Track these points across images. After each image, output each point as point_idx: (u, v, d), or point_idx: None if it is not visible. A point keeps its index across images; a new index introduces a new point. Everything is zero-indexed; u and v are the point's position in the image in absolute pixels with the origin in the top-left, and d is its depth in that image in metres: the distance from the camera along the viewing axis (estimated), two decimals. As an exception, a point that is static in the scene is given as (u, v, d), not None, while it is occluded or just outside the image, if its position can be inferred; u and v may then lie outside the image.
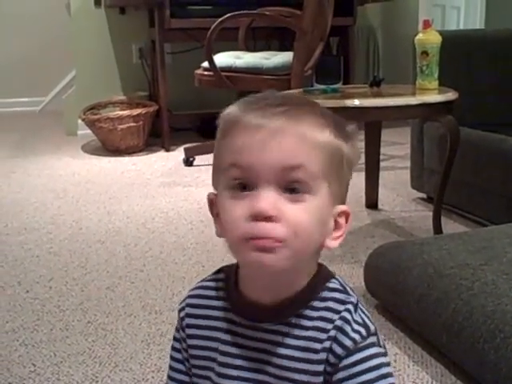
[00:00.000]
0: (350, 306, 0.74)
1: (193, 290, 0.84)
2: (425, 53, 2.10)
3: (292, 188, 0.69)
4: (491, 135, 2.23)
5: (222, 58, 3.15)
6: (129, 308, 1.76)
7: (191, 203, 2.68)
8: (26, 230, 2.43)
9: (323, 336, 0.73)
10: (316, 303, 0.74)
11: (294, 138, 0.69)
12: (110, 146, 3.60)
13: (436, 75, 2.12)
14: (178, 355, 0.84)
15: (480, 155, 2.23)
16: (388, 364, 0.74)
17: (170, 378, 0.85)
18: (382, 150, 2.63)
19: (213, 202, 0.75)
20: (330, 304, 0.74)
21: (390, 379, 0.73)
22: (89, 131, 3.72)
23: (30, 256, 2.17)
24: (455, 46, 2.41)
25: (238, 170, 0.70)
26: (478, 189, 2.25)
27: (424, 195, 2.63)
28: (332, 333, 0.72)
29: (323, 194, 0.71)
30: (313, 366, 0.73)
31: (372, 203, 2.53)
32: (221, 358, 0.78)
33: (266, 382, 0.75)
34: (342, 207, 0.75)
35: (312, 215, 0.70)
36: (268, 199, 0.68)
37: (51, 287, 1.92)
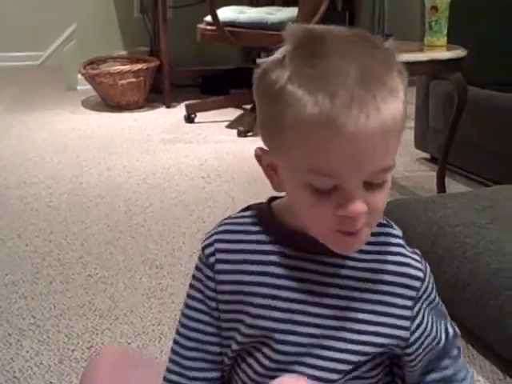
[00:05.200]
0: (401, 241, 0.78)
1: (219, 226, 0.81)
2: (434, 8, 2.05)
3: (375, 182, 0.68)
4: (499, 94, 2.19)
5: (226, 13, 3.08)
6: (129, 262, 1.75)
7: (192, 160, 2.66)
8: (26, 183, 2.41)
9: (388, 268, 0.76)
10: (371, 238, 0.75)
11: (384, 141, 0.65)
12: (110, 102, 3.55)
13: (445, 32, 2.07)
14: (197, 294, 0.80)
15: (487, 114, 2.20)
16: None
17: (186, 316, 0.81)
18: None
19: (261, 158, 0.73)
20: (386, 238, 0.77)
21: None
22: (89, 86, 3.67)
23: (30, 209, 2.15)
24: (465, 1, 2.35)
25: (322, 177, 0.66)
26: (484, 149, 2.22)
27: (428, 155, 2.60)
28: (402, 269, 0.76)
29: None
30: (377, 296, 0.75)
31: (375, 162, 2.50)
32: (264, 290, 0.76)
33: (322, 314, 0.75)
34: None
35: (387, 191, 0.70)
36: (360, 204, 0.67)
37: (51, 241, 1.90)
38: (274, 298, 0.76)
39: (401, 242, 0.78)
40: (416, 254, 0.79)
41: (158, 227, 1.98)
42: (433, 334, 0.78)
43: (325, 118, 0.63)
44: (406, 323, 0.76)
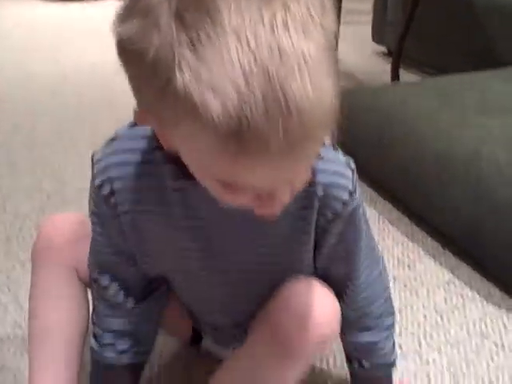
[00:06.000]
0: (328, 155, 0.68)
1: (111, 155, 0.67)
2: None
3: None
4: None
5: None
6: (79, 149, 1.72)
7: (145, 51, 2.58)
8: (-30, 72, 2.32)
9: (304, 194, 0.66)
10: None
11: (314, 143, 0.51)
12: (58, -9, 3.39)
13: None
14: (101, 229, 0.73)
15: (444, 5, 2.17)
16: None
17: (97, 244, 0.76)
18: (344, 3, 2.53)
19: (142, 118, 0.56)
20: None
21: None
22: (35, -25, 3.48)
23: (-26, 97, 2.08)
24: None
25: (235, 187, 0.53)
26: (440, 41, 2.21)
27: (385, 49, 2.58)
28: (319, 190, 0.66)
29: None
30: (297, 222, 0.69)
31: (331, 56, 2.47)
32: (175, 231, 0.69)
33: (231, 250, 0.71)
34: None
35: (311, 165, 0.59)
36: (283, 198, 0.56)
37: (-3, 127, 1.86)
38: (187, 239, 0.70)
39: (326, 154, 0.67)
40: (347, 166, 0.68)
41: (107, 115, 1.94)
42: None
43: (235, 132, 0.46)
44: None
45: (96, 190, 0.69)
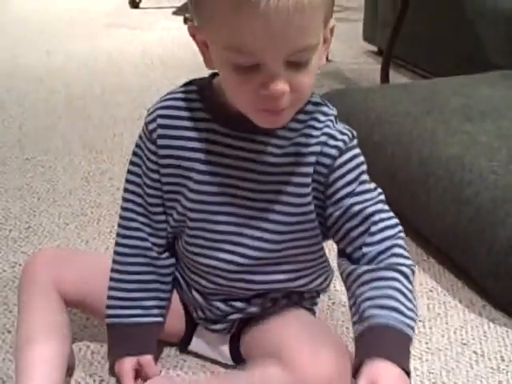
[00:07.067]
0: (332, 118, 0.81)
1: (162, 101, 0.84)
2: None
3: (298, 61, 0.69)
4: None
5: None
6: (68, 146, 1.73)
7: (136, 46, 2.58)
8: (-40, 65, 2.31)
9: (312, 141, 0.79)
10: (301, 116, 0.79)
11: (299, 17, 0.65)
12: (50, -18, 3.37)
13: None
14: (139, 169, 0.86)
15: (435, 7, 2.18)
16: None
17: (127, 190, 0.88)
18: (336, 1, 2.54)
19: (195, 34, 0.74)
20: (316, 115, 0.80)
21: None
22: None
23: (-36, 92, 2.08)
24: None
25: (242, 55, 0.67)
26: (430, 43, 2.22)
27: (375, 49, 2.59)
28: (322, 138, 0.78)
29: (320, 39, 0.71)
30: (300, 168, 0.79)
31: (322, 54, 2.48)
32: (201, 167, 0.81)
33: (248, 188, 0.80)
34: (330, 25, 0.74)
35: (314, 71, 0.72)
36: (282, 84, 0.68)
37: (-13, 123, 1.86)
38: (205, 173, 0.81)
39: (330, 118, 0.81)
40: (348, 130, 0.82)
41: (98, 113, 1.94)
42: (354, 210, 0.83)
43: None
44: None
45: (145, 126, 0.84)
